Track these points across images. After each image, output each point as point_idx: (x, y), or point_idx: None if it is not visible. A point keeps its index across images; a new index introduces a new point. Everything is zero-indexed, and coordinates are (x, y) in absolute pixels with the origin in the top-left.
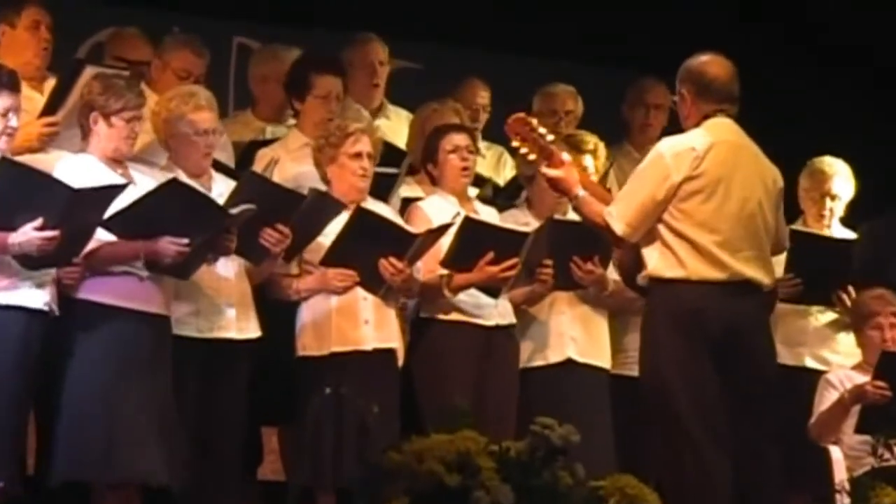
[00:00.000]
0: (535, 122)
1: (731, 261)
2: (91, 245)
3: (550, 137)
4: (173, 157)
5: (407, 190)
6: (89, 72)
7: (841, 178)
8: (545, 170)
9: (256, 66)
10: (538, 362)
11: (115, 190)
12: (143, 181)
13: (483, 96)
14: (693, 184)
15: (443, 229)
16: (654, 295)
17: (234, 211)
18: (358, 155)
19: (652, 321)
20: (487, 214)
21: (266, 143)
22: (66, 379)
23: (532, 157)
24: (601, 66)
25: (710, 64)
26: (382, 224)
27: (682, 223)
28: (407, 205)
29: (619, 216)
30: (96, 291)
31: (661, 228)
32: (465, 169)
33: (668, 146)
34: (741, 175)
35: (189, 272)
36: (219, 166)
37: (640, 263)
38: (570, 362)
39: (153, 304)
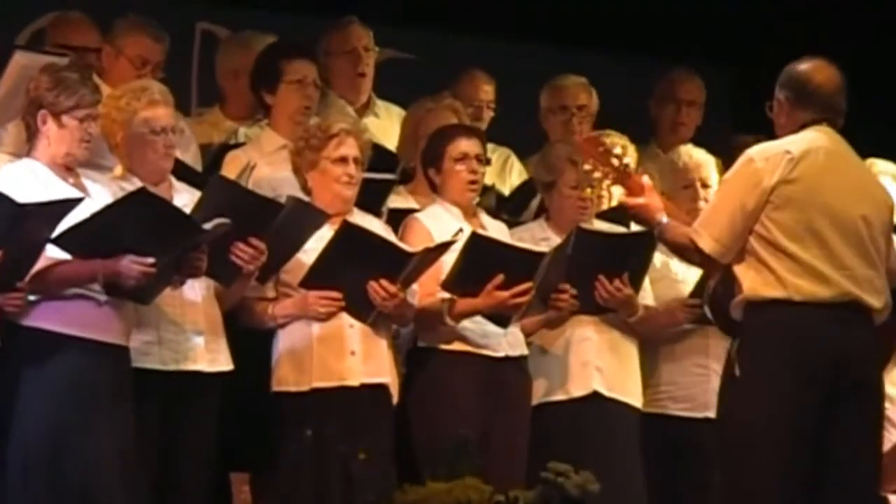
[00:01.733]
0: (608, 142)
1: (836, 276)
2: (40, 264)
3: (627, 160)
4: (127, 162)
5: (397, 200)
6: (19, 58)
7: (885, 179)
8: (626, 199)
9: (225, 57)
10: (558, 396)
11: (68, 204)
12: (98, 192)
13: (487, 91)
14: (788, 189)
15: (442, 248)
16: (751, 320)
17: (207, 226)
18: (343, 159)
19: (748, 351)
20: (496, 230)
21: (240, 146)
22: (12, 418)
23: (607, 182)
24: (621, 54)
25: (817, 70)
26: (372, 240)
27: (778, 234)
28: (395, 216)
29: (706, 233)
30: (47, 318)
31: (754, 242)
32: (472, 182)
33: (758, 150)
34: (842, 185)
35: (151, 296)
36: (181, 171)
37: (732, 292)
38: (595, 396)
39: (112, 334)
